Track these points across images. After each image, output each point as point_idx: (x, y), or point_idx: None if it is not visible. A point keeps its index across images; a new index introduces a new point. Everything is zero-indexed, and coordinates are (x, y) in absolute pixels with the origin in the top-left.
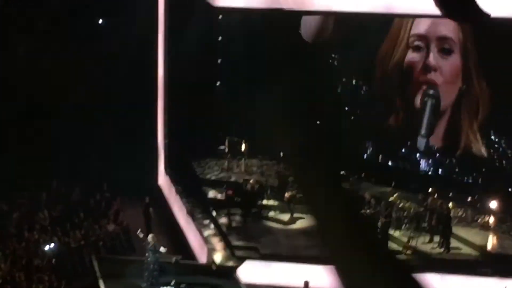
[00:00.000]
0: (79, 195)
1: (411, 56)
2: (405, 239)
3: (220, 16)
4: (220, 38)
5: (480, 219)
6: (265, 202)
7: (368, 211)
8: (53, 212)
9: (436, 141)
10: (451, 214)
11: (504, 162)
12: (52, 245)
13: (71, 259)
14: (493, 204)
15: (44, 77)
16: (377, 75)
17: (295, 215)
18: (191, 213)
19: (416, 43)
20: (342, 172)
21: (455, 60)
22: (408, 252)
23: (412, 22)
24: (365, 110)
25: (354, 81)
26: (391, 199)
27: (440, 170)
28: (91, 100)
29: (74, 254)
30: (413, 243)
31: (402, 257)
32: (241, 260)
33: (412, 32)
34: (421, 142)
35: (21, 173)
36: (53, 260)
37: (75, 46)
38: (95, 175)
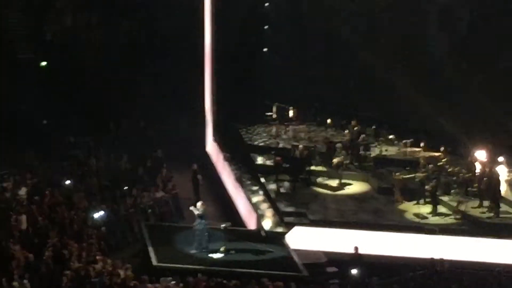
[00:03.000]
0: (128, 162)
1: None
2: (454, 204)
3: None
4: (266, 4)
5: None
6: (313, 168)
7: (418, 175)
8: (102, 180)
9: None
10: (500, 178)
11: None
12: (102, 212)
13: (120, 226)
14: None
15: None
16: None
17: (343, 181)
18: (239, 180)
19: None
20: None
21: None
22: (458, 216)
23: None
24: None
25: None
26: (439, 163)
27: None
28: (139, 70)
29: (124, 221)
30: (462, 207)
31: (452, 221)
32: (289, 226)
33: None
34: None
35: (71, 142)
36: (103, 228)
37: (125, 17)
38: (144, 143)
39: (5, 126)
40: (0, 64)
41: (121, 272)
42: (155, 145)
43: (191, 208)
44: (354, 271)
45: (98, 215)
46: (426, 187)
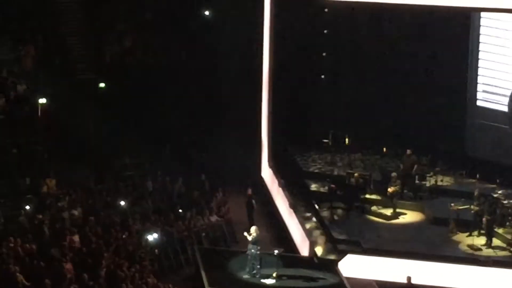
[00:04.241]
0: (183, 186)
1: None
2: (509, 236)
3: (326, 10)
4: (325, 31)
5: None
6: (367, 196)
7: (474, 207)
8: (157, 202)
9: None
10: None
11: None
12: (156, 235)
13: (174, 249)
14: None
15: (151, 70)
16: None
17: (398, 209)
18: (293, 206)
19: None
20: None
21: None
22: None
23: None
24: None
25: None
26: (495, 195)
27: None
28: (197, 93)
29: (177, 244)
30: None
31: (506, 253)
32: (343, 253)
33: None
34: None
35: (126, 163)
36: (156, 250)
37: (183, 39)
38: (200, 167)
39: (62, 147)
40: (60, 84)
41: None
42: (211, 170)
43: (245, 233)
44: None
45: (152, 237)
46: (482, 218)
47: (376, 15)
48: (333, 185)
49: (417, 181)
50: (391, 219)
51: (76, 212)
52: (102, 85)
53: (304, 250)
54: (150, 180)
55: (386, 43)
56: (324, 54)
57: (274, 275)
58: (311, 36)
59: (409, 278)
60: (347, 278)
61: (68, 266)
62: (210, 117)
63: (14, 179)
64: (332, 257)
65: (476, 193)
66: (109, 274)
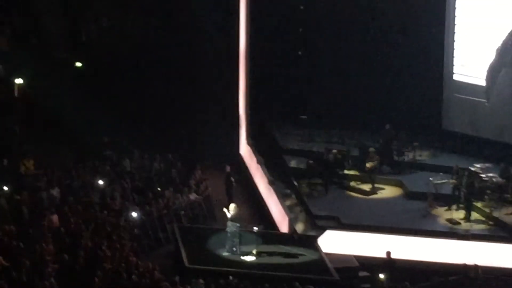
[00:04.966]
0: (161, 164)
1: None
2: (487, 210)
3: None
4: (301, 7)
5: None
6: (346, 171)
7: (452, 181)
8: (135, 181)
9: None
10: None
11: None
12: (135, 214)
13: (153, 228)
14: None
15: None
16: None
17: (376, 185)
18: (272, 183)
19: None
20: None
21: None
22: (491, 222)
23: None
24: None
25: None
26: (473, 169)
27: None
28: (175, 71)
29: (156, 223)
30: (495, 213)
31: (485, 227)
32: (322, 229)
33: None
34: None
35: (104, 142)
36: (136, 229)
37: (160, 18)
38: (178, 145)
39: (40, 126)
40: (37, 64)
41: (156, 273)
42: (188, 147)
43: (224, 210)
44: (385, 276)
45: (131, 216)
46: (460, 192)
47: None
48: (311, 161)
49: (395, 156)
50: (369, 195)
51: (54, 192)
52: (79, 64)
53: (283, 226)
54: (128, 159)
55: (362, 17)
56: (300, 29)
57: (254, 252)
58: (287, 12)
59: (388, 253)
60: (327, 254)
61: (49, 247)
62: (188, 95)
63: None
64: (311, 233)
65: (454, 167)
66: (88, 253)
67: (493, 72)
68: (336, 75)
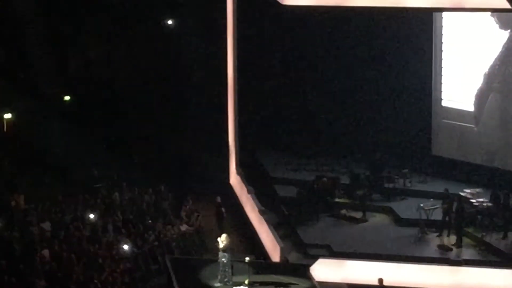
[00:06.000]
0: (152, 196)
1: None
2: (478, 235)
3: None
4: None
5: None
6: (337, 199)
7: (443, 206)
8: (126, 214)
9: None
10: None
11: None
12: (126, 246)
13: (145, 260)
14: None
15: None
16: None
17: (367, 212)
18: (263, 212)
19: None
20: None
21: None
22: (482, 247)
23: None
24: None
25: None
26: (463, 194)
27: None
28: (163, 102)
29: (148, 255)
30: (486, 239)
31: (476, 252)
32: (314, 258)
33: None
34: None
35: (94, 175)
36: (127, 262)
37: (147, 49)
38: (167, 176)
39: (29, 160)
40: (25, 99)
41: None
42: (179, 178)
43: (218, 239)
44: None
45: (122, 249)
46: (451, 218)
47: (338, 17)
48: (301, 190)
49: (385, 183)
50: (360, 222)
51: (45, 226)
52: (67, 98)
53: (275, 256)
54: (117, 191)
55: (349, 44)
56: (289, 58)
57: (246, 282)
58: (274, 40)
59: (380, 280)
60: (319, 282)
61: (42, 283)
62: (177, 125)
63: None
64: (303, 262)
65: (444, 192)
66: (80, 287)
67: (481, 97)
68: (325, 102)
